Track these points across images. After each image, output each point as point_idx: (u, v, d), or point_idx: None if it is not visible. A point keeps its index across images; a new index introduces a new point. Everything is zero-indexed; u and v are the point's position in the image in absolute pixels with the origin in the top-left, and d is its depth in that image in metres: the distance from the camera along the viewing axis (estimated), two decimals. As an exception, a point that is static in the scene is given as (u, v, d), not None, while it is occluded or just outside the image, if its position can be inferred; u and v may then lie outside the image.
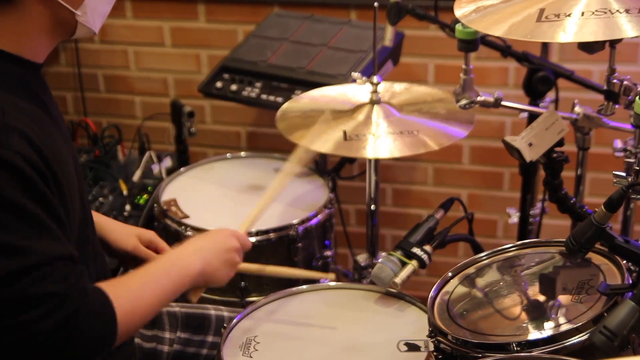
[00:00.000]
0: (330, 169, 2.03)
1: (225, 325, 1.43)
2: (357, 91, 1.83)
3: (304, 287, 1.55)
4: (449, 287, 1.36)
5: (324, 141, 1.62)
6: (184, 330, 1.49)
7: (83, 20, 1.13)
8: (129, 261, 1.45)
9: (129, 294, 1.11)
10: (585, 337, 1.10)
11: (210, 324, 1.49)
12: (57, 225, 1.03)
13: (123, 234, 1.43)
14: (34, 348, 0.98)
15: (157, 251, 1.46)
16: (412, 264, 1.48)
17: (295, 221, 1.78)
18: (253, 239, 1.74)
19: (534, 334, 1.18)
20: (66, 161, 1.11)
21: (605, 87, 1.56)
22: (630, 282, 1.20)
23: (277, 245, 1.77)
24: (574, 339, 1.11)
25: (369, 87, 1.74)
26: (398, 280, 1.46)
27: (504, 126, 2.42)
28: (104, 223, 1.42)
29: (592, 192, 2.35)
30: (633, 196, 1.20)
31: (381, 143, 1.60)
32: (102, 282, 1.10)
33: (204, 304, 1.63)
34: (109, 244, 1.42)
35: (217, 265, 1.28)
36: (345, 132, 1.64)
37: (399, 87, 1.85)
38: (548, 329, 1.19)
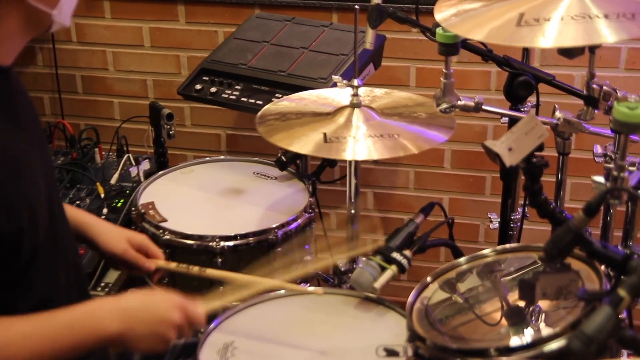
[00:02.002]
0: (310, 173, 2.01)
1: (202, 330, 1.41)
2: (338, 94, 1.82)
3: (283, 291, 1.53)
4: (427, 292, 1.35)
5: (304, 143, 1.61)
6: None
7: (58, 18, 1.12)
8: (119, 264, 1.43)
9: (4, 337, 1.03)
10: (564, 342, 1.10)
11: None
12: None
13: (113, 236, 1.41)
14: None
15: (148, 255, 1.45)
16: (392, 269, 1.47)
17: (274, 225, 1.76)
18: (232, 243, 1.72)
19: (513, 340, 1.18)
20: (28, 163, 1.09)
21: (585, 93, 1.56)
22: (609, 287, 1.20)
23: (256, 249, 1.75)
24: (553, 345, 1.11)
25: (349, 91, 1.73)
26: (377, 285, 1.45)
27: (486, 131, 2.42)
28: (94, 224, 1.40)
29: (572, 197, 2.36)
30: (611, 201, 1.20)
31: (361, 145, 1.60)
32: None
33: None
34: (98, 246, 1.40)
35: (141, 333, 1.15)
36: (325, 135, 1.63)
37: (379, 91, 1.85)
38: (527, 334, 1.19)
